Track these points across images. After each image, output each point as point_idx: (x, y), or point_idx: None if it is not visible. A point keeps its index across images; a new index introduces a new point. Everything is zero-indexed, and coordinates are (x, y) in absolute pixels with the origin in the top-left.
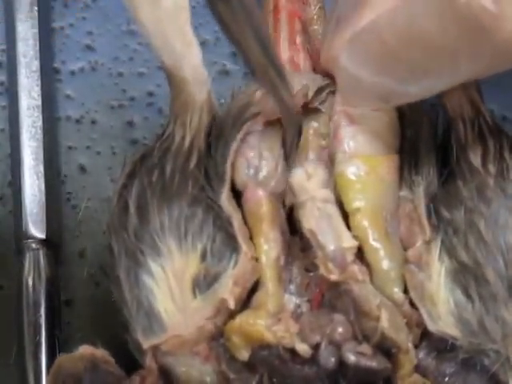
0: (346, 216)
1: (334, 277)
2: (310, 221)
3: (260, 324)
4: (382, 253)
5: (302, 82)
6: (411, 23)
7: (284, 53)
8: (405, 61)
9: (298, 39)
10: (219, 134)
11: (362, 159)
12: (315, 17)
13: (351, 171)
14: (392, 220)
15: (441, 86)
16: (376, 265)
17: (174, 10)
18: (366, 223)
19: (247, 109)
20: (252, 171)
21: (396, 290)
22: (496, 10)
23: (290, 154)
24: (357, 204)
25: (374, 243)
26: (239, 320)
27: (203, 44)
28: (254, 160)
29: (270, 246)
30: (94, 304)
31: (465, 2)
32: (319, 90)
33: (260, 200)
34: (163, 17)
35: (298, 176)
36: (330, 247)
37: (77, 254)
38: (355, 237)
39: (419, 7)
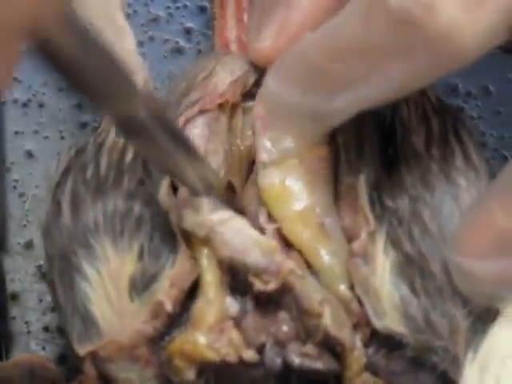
0: None
1: (272, 285)
2: (223, 249)
3: (201, 343)
4: (321, 250)
5: (244, 67)
6: (337, 36)
7: (231, 31)
8: (327, 72)
9: (245, 17)
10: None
11: (279, 166)
12: None
13: (269, 183)
14: (328, 213)
15: (370, 96)
16: (318, 263)
17: None
18: (296, 227)
19: (187, 95)
20: None
21: (342, 287)
22: (429, 1)
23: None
24: (282, 215)
25: (310, 242)
26: (179, 340)
27: (155, 21)
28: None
29: None
30: (41, 297)
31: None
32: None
33: None
34: (92, 2)
35: (187, 215)
36: (256, 259)
37: (23, 244)
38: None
39: (345, 17)
